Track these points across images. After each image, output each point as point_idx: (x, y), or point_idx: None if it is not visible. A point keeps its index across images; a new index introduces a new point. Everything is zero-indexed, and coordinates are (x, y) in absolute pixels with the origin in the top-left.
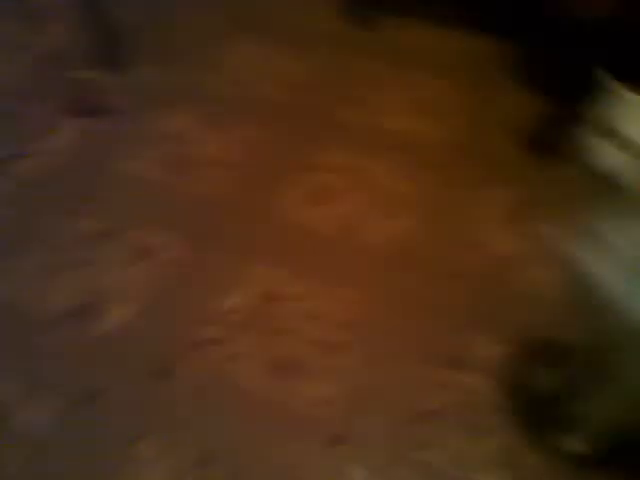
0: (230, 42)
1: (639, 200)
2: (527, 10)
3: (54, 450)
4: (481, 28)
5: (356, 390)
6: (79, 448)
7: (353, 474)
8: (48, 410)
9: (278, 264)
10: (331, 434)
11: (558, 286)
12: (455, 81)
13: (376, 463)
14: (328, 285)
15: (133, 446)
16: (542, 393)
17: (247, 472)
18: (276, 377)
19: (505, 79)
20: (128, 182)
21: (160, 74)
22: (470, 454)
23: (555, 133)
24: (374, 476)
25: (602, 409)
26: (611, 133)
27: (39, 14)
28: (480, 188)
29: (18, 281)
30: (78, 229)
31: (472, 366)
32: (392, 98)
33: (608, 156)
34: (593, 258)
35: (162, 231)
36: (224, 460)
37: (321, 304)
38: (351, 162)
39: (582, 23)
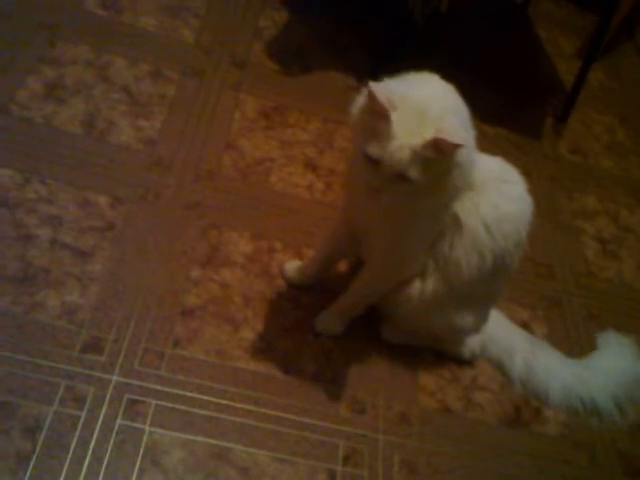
0: None
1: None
2: None
3: None
4: None
5: (114, 293)
6: None
7: (112, 380)
8: None
9: (14, 165)
10: (85, 344)
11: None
12: None
13: (134, 366)
14: (76, 187)
15: None
16: None
17: None
18: (22, 290)
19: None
20: None
21: None
22: (229, 345)
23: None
24: (131, 378)
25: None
26: None
27: None
28: (231, 92)
29: None
30: None
31: (227, 262)
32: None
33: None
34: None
35: None
36: None
37: (69, 209)
38: (94, 56)
39: None
